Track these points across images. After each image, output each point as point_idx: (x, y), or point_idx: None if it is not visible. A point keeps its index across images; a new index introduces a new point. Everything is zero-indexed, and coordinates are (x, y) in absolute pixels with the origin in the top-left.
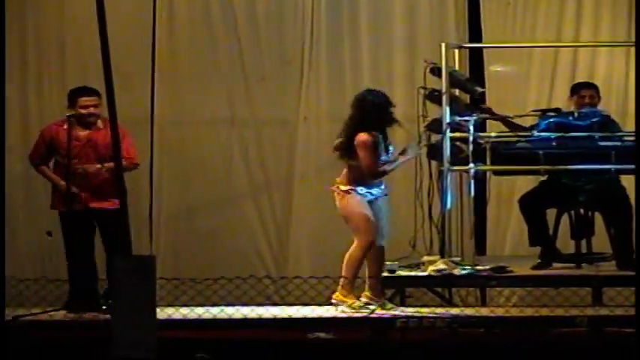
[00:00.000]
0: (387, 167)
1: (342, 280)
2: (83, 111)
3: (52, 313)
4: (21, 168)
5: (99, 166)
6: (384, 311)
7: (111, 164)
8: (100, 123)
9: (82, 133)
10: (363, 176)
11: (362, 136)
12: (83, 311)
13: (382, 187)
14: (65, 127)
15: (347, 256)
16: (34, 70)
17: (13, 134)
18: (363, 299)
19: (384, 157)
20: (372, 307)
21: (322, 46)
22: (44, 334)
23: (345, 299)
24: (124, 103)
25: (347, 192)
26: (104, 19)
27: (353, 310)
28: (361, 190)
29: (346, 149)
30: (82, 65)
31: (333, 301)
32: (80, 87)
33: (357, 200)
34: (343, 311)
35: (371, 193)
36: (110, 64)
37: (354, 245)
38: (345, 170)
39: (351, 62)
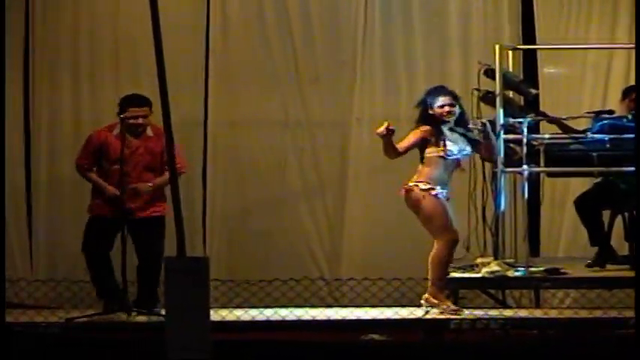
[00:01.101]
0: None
1: (430, 282)
2: (132, 122)
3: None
4: (72, 170)
5: (150, 184)
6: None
7: (160, 180)
8: (149, 131)
9: (132, 140)
10: (438, 175)
11: None
12: (115, 312)
13: (448, 190)
14: (114, 132)
15: (431, 257)
16: (87, 72)
17: (65, 137)
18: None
19: (452, 151)
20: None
21: (376, 46)
22: (98, 335)
23: (435, 301)
24: (177, 106)
25: (428, 191)
26: (158, 22)
27: (446, 315)
28: (439, 189)
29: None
30: (135, 68)
31: (422, 302)
32: (131, 95)
33: (437, 199)
34: (439, 313)
35: (443, 194)
36: (164, 66)
37: (438, 246)
38: (420, 168)
39: (404, 63)
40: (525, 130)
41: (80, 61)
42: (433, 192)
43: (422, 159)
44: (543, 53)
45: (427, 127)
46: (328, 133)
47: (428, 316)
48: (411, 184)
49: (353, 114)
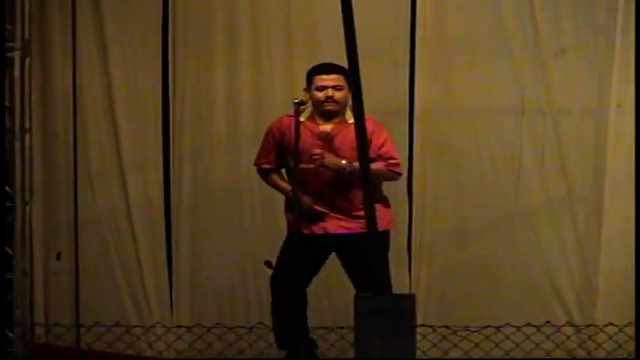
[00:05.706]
0: None
1: None
2: (318, 94)
3: None
4: (224, 177)
5: (344, 162)
6: None
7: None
8: (348, 115)
9: (323, 126)
10: None
11: None
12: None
13: None
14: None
15: None
16: (247, 49)
17: (215, 133)
18: None
19: None
20: None
21: None
22: None
23: None
24: (372, 92)
25: None
26: None
27: None
28: None
29: None
30: (314, 43)
31: None
32: (320, 64)
33: None
34: None
35: None
36: (355, 41)
37: None
38: None
39: None
40: None
41: (238, 37)
42: None
43: None
44: None
45: None
46: (578, 125)
47: None
48: None
49: (612, 98)
